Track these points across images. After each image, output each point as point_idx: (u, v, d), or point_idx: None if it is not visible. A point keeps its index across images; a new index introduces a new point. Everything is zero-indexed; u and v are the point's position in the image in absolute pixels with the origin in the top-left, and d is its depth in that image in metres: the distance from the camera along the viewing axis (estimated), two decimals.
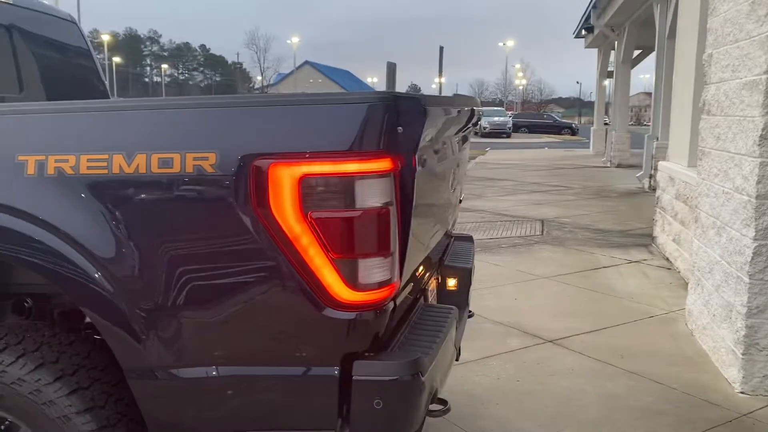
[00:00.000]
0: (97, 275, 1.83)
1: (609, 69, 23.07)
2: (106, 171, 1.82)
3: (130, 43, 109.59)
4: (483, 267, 6.94)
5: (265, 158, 1.76)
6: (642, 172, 13.85)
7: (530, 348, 4.61)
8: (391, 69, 8.90)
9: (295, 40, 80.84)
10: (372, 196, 1.79)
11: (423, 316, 2.42)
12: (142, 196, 1.83)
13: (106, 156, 1.82)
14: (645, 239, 8.33)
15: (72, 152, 1.84)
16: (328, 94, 1.81)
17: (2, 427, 2.04)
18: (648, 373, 4.14)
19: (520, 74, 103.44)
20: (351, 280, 1.80)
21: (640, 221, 9.58)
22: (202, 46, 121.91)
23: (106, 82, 3.92)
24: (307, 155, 1.75)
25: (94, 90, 3.73)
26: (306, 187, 1.75)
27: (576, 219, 10.07)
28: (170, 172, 1.79)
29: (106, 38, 78.98)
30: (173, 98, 1.96)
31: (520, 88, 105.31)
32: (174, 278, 1.81)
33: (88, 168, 1.83)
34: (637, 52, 19.95)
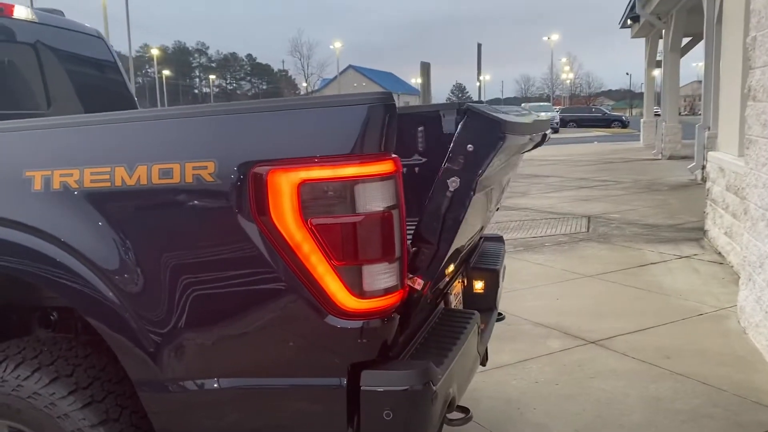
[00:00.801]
0: (102, 287, 1.82)
1: (657, 58, 22.39)
2: (108, 184, 1.82)
3: (179, 56, 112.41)
4: (525, 266, 6.79)
5: (263, 165, 1.72)
6: (694, 164, 13.36)
7: (571, 350, 4.47)
8: (425, 68, 8.85)
9: (337, 45, 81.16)
10: (373, 200, 1.73)
11: (442, 322, 2.34)
12: (145, 207, 1.82)
13: (108, 169, 1.82)
14: (696, 233, 8.02)
15: (76, 166, 1.85)
16: (326, 97, 1.76)
17: None
18: (695, 374, 3.96)
19: (567, 68, 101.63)
20: (355, 287, 1.74)
21: (692, 215, 9.22)
22: (249, 56, 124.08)
23: (134, 92, 3.97)
24: (305, 160, 1.71)
25: (121, 101, 3.78)
26: (305, 193, 1.70)
27: (624, 214, 9.78)
28: (170, 182, 1.77)
29: (155, 52, 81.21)
30: (172, 108, 1.95)
31: (568, 82, 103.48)
32: (177, 289, 1.79)
33: (92, 181, 1.83)
34: (686, 40, 19.30)
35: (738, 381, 3.85)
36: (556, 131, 39.26)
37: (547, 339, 4.68)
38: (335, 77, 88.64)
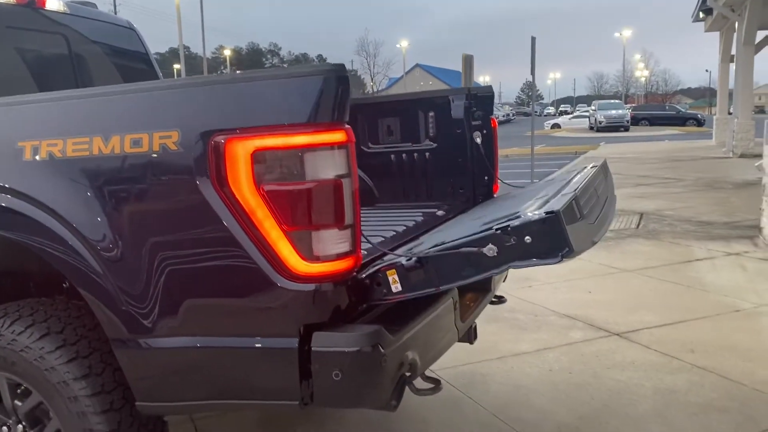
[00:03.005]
0: (81, 249, 1.96)
1: (732, 53, 21.40)
2: (87, 153, 1.96)
3: (253, 57, 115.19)
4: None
5: (222, 134, 1.82)
6: (762, 161, 12.73)
7: (592, 341, 4.39)
8: (468, 61, 8.81)
9: (404, 44, 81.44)
10: (324, 168, 1.80)
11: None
12: (118, 174, 1.95)
13: (87, 139, 1.96)
14: (752, 231, 7.67)
15: (60, 137, 2.00)
16: (282, 69, 1.85)
17: (18, 391, 2.25)
18: (717, 368, 3.83)
19: (642, 65, 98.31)
20: (306, 252, 1.82)
21: (751, 212, 8.81)
22: (319, 56, 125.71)
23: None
24: (260, 129, 1.80)
25: None
26: (258, 160, 1.79)
27: (679, 211, 9.44)
28: (140, 151, 1.90)
29: (228, 53, 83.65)
30: (142, 83, 2.07)
31: (642, 79, 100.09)
32: (145, 253, 1.92)
33: (74, 150, 1.98)
34: (762, 34, 18.37)
35: (762, 377, 3.70)
36: (626, 129, 38.06)
37: (570, 330, 4.62)
38: (401, 76, 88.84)
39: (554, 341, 4.40)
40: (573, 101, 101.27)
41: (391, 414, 3.42)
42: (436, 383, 2.33)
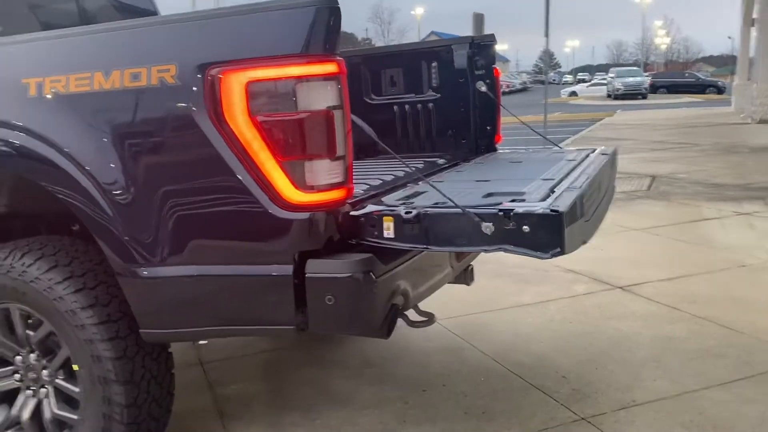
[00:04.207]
0: (84, 181, 2.03)
1: (754, 16, 20.92)
2: (89, 88, 2.02)
3: None
4: None
5: (217, 66, 1.87)
6: None
7: (595, 293, 4.44)
8: (478, 20, 8.72)
9: (419, 11, 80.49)
10: (316, 98, 1.85)
11: None
12: (118, 108, 2.01)
13: (89, 74, 2.02)
14: (764, 193, 7.63)
15: (63, 73, 2.06)
16: (275, 2, 1.88)
17: (29, 321, 2.35)
18: (718, 318, 3.86)
19: (662, 32, 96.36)
20: (299, 181, 1.88)
21: (766, 175, 8.76)
22: None
23: None
24: (254, 61, 1.84)
25: None
26: (252, 92, 1.84)
27: (692, 174, 9.38)
28: (139, 85, 1.96)
29: None
30: (141, 19, 2.12)
31: (663, 47, 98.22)
32: (144, 184, 1.99)
33: (76, 86, 2.04)
34: None
35: (762, 326, 3.73)
36: (644, 97, 37.54)
37: (573, 284, 4.67)
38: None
39: (557, 294, 4.46)
40: (592, 69, 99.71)
41: (392, 358, 3.52)
42: (430, 316, 2.41)
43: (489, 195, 2.11)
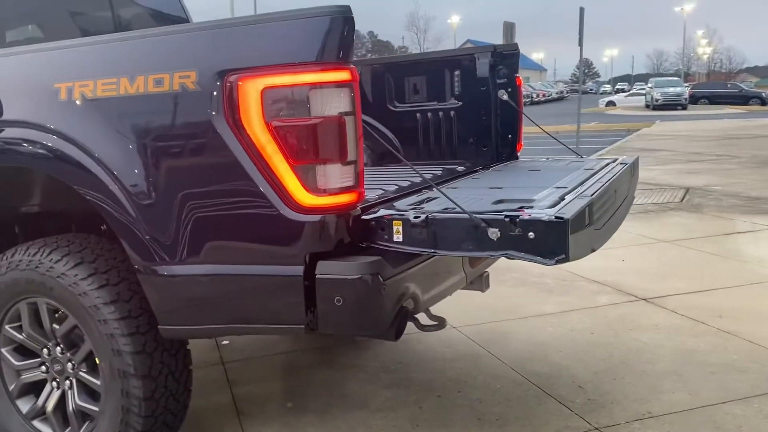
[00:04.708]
0: (109, 181, 2.12)
1: None
2: (115, 92, 2.11)
3: None
4: None
5: (235, 73, 1.94)
6: None
7: (618, 305, 4.41)
8: (509, 28, 8.72)
9: (455, 19, 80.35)
10: (328, 105, 1.91)
11: None
12: (143, 112, 2.10)
13: (115, 80, 2.11)
14: None
15: (91, 78, 2.16)
16: (290, 11, 1.95)
17: (56, 315, 2.45)
18: (743, 332, 3.80)
19: (704, 42, 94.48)
20: (311, 185, 1.94)
21: None
22: (370, 33, 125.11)
23: None
24: (269, 68, 1.91)
25: None
26: (267, 97, 1.91)
27: (727, 187, 9.20)
28: (162, 90, 2.04)
29: None
30: (164, 27, 2.21)
31: (705, 57, 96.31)
32: (164, 185, 2.07)
33: (103, 91, 2.13)
34: None
35: None
36: (684, 108, 36.84)
37: (597, 294, 4.64)
38: None
39: (579, 304, 4.43)
40: (631, 79, 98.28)
41: (410, 363, 3.55)
42: (441, 321, 2.44)
43: (499, 201, 2.14)
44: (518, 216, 1.86)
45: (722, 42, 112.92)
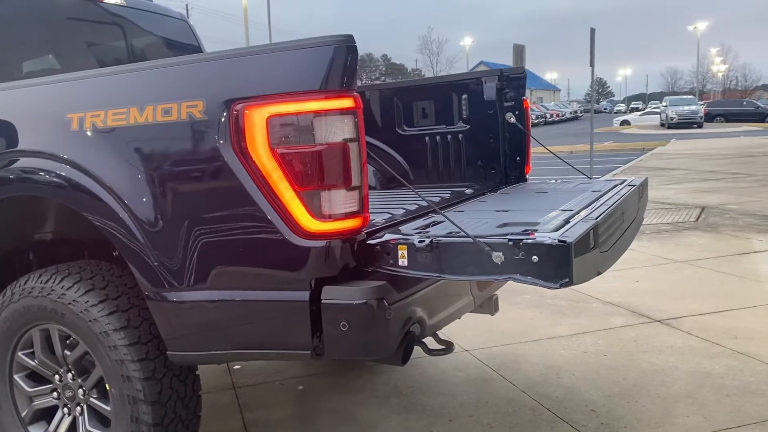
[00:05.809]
0: (119, 209, 2.16)
1: None
2: (125, 122, 2.16)
3: None
4: None
5: (241, 102, 1.98)
6: None
7: (632, 326, 4.36)
8: (518, 51, 8.76)
9: (467, 41, 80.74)
10: (332, 132, 1.93)
11: None
12: (151, 141, 2.14)
13: (125, 110, 2.16)
14: None
15: (102, 108, 2.20)
16: (295, 41, 1.98)
17: (68, 342, 2.48)
18: (759, 354, 3.75)
19: (718, 60, 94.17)
20: (315, 211, 1.95)
21: None
22: (384, 56, 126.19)
23: None
24: (274, 97, 1.95)
25: None
26: (272, 125, 1.94)
27: (744, 206, 9.11)
28: (170, 119, 2.08)
29: None
30: (172, 58, 2.25)
31: (720, 74, 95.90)
32: (172, 213, 2.10)
33: (113, 120, 2.18)
34: None
35: None
36: (700, 126, 36.62)
37: (611, 316, 4.60)
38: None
39: (593, 326, 4.40)
40: (645, 98, 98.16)
41: (421, 388, 3.54)
42: (448, 345, 2.44)
43: (504, 225, 2.14)
44: (522, 239, 1.86)
45: (737, 59, 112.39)
